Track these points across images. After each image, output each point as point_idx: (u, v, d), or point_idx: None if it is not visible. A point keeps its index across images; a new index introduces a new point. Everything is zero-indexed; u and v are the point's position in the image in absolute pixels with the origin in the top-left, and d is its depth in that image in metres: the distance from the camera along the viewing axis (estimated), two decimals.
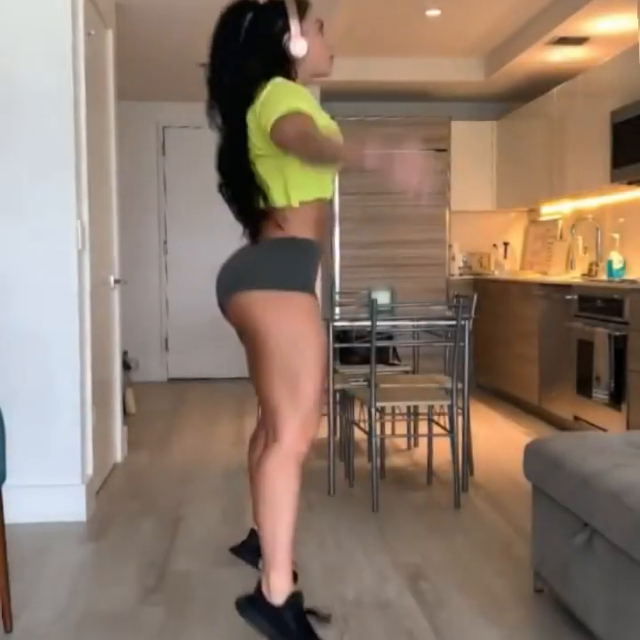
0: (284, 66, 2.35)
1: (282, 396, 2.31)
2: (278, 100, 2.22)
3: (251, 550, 2.90)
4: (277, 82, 2.29)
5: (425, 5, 5.59)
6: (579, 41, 5.69)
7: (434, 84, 7.13)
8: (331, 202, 2.52)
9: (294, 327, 2.30)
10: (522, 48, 6.06)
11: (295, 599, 2.31)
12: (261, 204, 2.35)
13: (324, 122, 2.35)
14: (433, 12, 5.72)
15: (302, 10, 2.36)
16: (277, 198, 2.33)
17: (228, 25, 2.36)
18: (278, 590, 2.29)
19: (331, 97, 7.33)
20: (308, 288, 2.36)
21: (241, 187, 2.38)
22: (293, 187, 2.32)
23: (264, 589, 2.31)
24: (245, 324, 2.36)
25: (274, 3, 2.36)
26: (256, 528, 2.90)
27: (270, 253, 2.35)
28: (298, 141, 2.15)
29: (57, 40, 3.52)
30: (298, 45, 2.33)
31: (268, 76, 2.29)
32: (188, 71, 6.53)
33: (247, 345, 2.46)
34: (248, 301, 2.31)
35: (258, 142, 2.31)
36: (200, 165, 7.78)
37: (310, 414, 2.32)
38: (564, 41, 5.70)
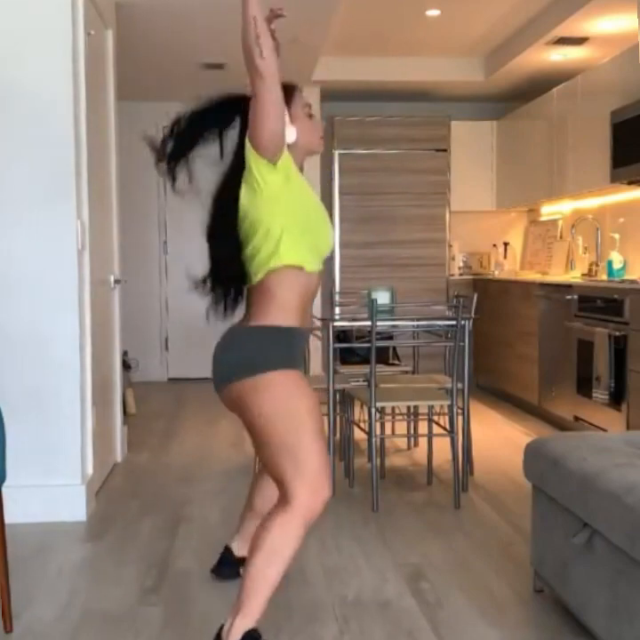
0: None
1: (286, 469, 2.28)
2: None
3: (228, 567, 2.91)
4: None
5: (425, 5, 5.59)
6: (579, 41, 5.69)
7: (434, 83, 7.13)
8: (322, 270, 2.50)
9: (282, 406, 2.29)
10: (522, 48, 6.06)
11: (251, 634, 2.24)
12: (247, 276, 2.36)
13: (314, 212, 2.39)
14: (433, 12, 5.72)
15: (289, 95, 2.39)
16: (265, 263, 2.32)
17: (224, 112, 2.44)
18: (238, 630, 2.23)
19: (331, 97, 7.33)
20: (289, 365, 2.33)
21: (224, 256, 2.39)
22: (285, 249, 2.31)
23: (225, 629, 2.25)
24: (238, 415, 2.39)
25: None
26: (230, 545, 2.93)
27: (250, 343, 2.34)
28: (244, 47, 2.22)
29: (57, 40, 3.52)
30: (288, 133, 2.35)
31: None
32: (188, 71, 6.54)
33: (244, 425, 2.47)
34: (233, 395, 2.33)
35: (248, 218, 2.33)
36: (200, 165, 7.80)
37: (317, 477, 2.28)
38: (563, 41, 5.70)
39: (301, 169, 2.47)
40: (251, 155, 2.28)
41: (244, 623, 2.22)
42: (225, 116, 2.44)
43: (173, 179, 2.44)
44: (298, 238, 2.32)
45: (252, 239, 2.32)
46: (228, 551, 2.93)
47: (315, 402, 2.35)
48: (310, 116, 2.48)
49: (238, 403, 2.34)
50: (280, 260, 2.30)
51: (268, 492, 2.78)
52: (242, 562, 2.86)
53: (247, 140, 2.29)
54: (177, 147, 2.43)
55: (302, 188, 2.39)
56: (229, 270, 2.39)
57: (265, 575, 2.23)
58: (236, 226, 2.35)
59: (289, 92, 2.38)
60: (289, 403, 2.31)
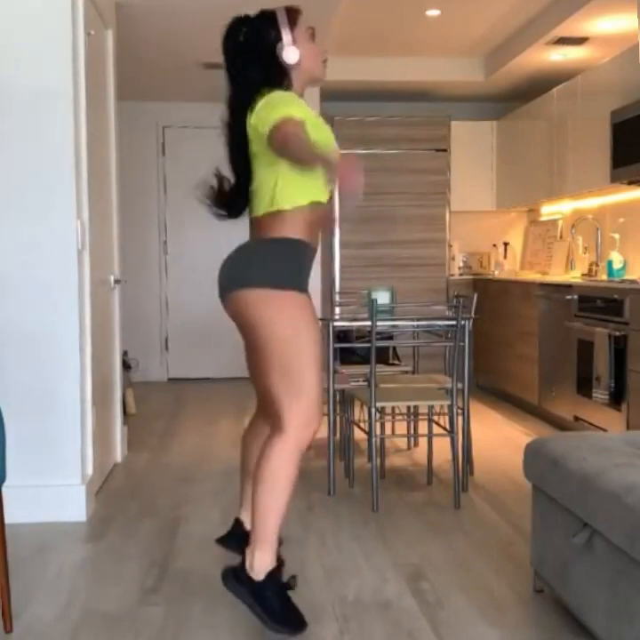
0: (280, 74, 2.50)
1: (282, 391, 2.40)
2: (271, 108, 2.36)
3: (236, 539, 2.91)
4: (273, 93, 2.43)
5: (425, 5, 5.59)
6: (579, 41, 5.70)
7: (434, 83, 7.13)
8: (329, 203, 2.58)
9: (288, 324, 2.40)
10: (522, 48, 6.06)
11: (275, 575, 2.42)
12: (259, 213, 2.49)
13: (323, 135, 2.48)
14: (433, 12, 5.72)
15: (293, 19, 2.50)
16: (271, 200, 2.45)
17: (228, 40, 2.53)
18: (260, 567, 2.40)
19: (331, 97, 7.33)
20: (299, 286, 2.45)
21: (240, 185, 2.53)
22: (284, 190, 2.44)
23: (247, 564, 2.42)
24: (242, 321, 2.47)
25: (265, 14, 2.51)
26: (240, 518, 2.94)
27: (263, 253, 2.46)
28: (284, 143, 2.26)
29: (57, 40, 3.52)
30: (290, 53, 2.47)
31: (265, 85, 2.45)
32: (188, 71, 6.55)
33: (245, 339, 2.56)
34: (243, 299, 2.42)
35: (255, 147, 2.45)
36: (200, 165, 7.79)
37: (312, 406, 2.42)
38: (563, 41, 5.70)
39: (302, 96, 2.56)
40: (265, 145, 2.40)
41: (263, 557, 2.40)
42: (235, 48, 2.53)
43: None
44: (298, 179, 2.42)
45: (261, 175, 2.45)
46: (238, 523, 2.93)
47: (319, 333, 2.46)
48: (313, 38, 2.56)
49: (244, 312, 2.42)
50: (291, 201, 2.43)
51: (259, 451, 2.80)
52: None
53: (258, 129, 2.39)
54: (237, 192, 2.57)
55: (316, 126, 2.45)
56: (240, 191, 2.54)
57: (271, 504, 2.39)
58: (245, 154, 2.49)
59: (293, 15, 2.50)
60: (296, 327, 2.40)
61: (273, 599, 2.39)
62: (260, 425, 2.80)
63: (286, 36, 2.47)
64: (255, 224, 2.53)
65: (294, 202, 2.44)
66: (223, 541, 2.96)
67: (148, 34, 5.49)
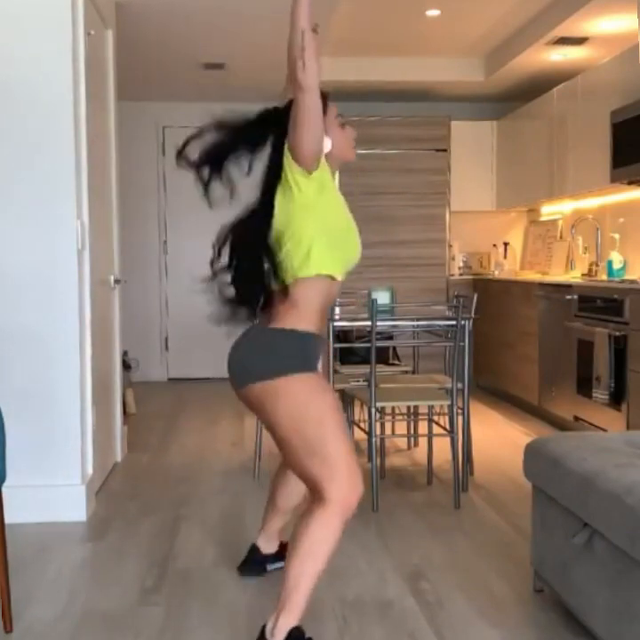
0: None
1: (317, 471, 2.29)
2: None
3: (256, 564, 2.95)
4: None
5: (425, 5, 5.58)
6: (579, 41, 5.69)
7: (434, 83, 7.13)
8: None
9: (304, 409, 2.31)
10: (522, 48, 6.06)
11: (295, 633, 2.30)
12: (273, 281, 2.36)
13: (344, 221, 2.51)
14: (433, 12, 5.72)
15: (324, 105, 2.39)
16: (296, 271, 2.34)
17: (260, 129, 2.42)
18: (282, 629, 2.28)
19: (331, 97, 7.32)
20: (307, 368, 2.35)
21: (253, 262, 2.38)
22: (316, 258, 2.35)
23: (269, 626, 2.30)
24: (258, 416, 2.42)
25: None
26: (257, 543, 2.96)
27: (269, 345, 2.36)
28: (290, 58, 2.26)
29: (57, 40, 3.52)
30: (324, 143, 2.40)
31: None
32: (188, 71, 6.55)
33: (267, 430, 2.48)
34: (254, 395, 2.35)
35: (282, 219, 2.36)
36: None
37: (351, 475, 2.31)
38: (563, 41, 5.69)
39: (334, 176, 2.52)
40: (288, 163, 2.32)
41: (287, 622, 2.28)
42: (258, 137, 2.42)
43: (205, 186, 2.47)
44: (328, 248, 2.37)
45: (283, 246, 2.34)
46: (254, 549, 2.96)
47: (334, 400, 2.39)
48: (343, 126, 2.55)
49: (258, 405, 2.36)
50: (311, 269, 2.34)
51: (289, 488, 2.85)
52: (268, 558, 2.92)
53: (286, 149, 2.32)
54: (207, 157, 2.45)
55: (336, 198, 2.45)
56: (256, 277, 2.37)
57: (305, 573, 2.28)
58: (268, 232, 2.36)
59: (323, 101, 2.38)
60: (310, 405, 2.32)
61: None
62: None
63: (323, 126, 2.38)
64: (271, 301, 2.40)
65: (305, 270, 2.35)
66: (243, 570, 2.97)
67: (148, 34, 5.49)
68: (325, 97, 2.45)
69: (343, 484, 2.28)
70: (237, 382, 2.39)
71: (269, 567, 2.92)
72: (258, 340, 2.40)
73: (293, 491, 2.84)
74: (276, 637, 2.27)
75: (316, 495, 2.31)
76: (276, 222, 2.36)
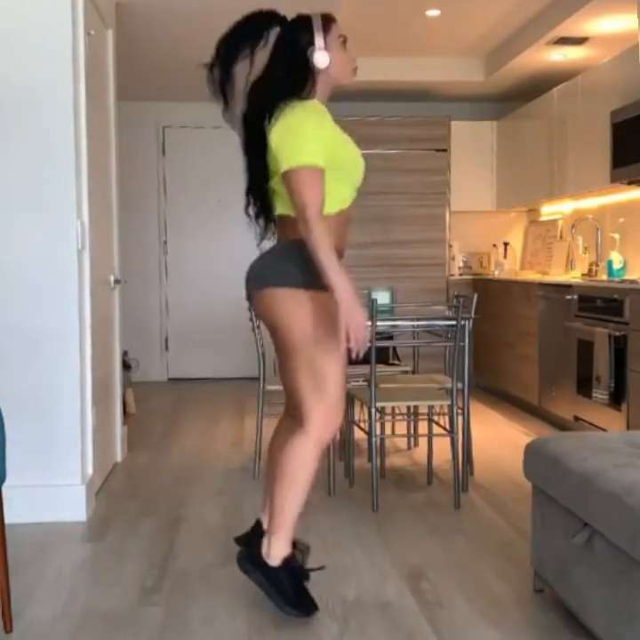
0: (305, 77, 2.56)
1: (307, 389, 2.50)
2: (293, 137, 2.43)
3: (258, 537, 2.91)
4: (295, 110, 2.47)
5: (425, 5, 5.59)
6: (579, 41, 5.69)
7: (434, 83, 7.13)
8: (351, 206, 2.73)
9: (314, 324, 2.48)
10: (522, 48, 6.06)
11: (289, 561, 2.56)
12: (283, 212, 2.57)
13: (350, 154, 2.63)
14: (433, 12, 5.72)
15: (327, 25, 2.57)
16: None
17: (252, 28, 2.56)
18: (276, 553, 2.54)
19: (331, 97, 7.32)
20: (325, 287, 2.47)
21: (265, 198, 2.61)
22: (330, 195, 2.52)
23: (263, 551, 2.56)
24: (268, 321, 2.56)
25: (301, 18, 2.57)
26: (261, 519, 2.93)
27: (291, 254, 2.52)
28: (301, 221, 2.40)
29: (57, 40, 3.52)
30: (320, 58, 2.54)
31: (289, 85, 2.51)
32: (188, 71, 6.54)
33: (273, 339, 2.64)
34: (270, 299, 2.50)
35: (274, 165, 2.52)
36: (200, 165, 7.80)
37: (334, 405, 2.52)
38: (563, 41, 5.69)
39: (324, 102, 2.64)
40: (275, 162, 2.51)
41: (279, 546, 2.54)
42: (254, 32, 2.55)
43: (225, 100, 2.57)
44: (334, 180, 2.52)
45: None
46: (258, 525, 2.92)
47: (342, 333, 2.49)
48: (344, 45, 2.63)
49: (270, 310, 2.51)
50: (327, 208, 2.48)
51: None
52: None
53: (274, 151, 2.48)
54: (220, 68, 2.55)
55: (333, 137, 2.56)
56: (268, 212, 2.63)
57: (290, 496, 2.53)
58: (266, 165, 2.55)
59: (327, 22, 2.56)
60: (323, 326, 2.48)
61: (287, 583, 2.54)
62: (287, 429, 2.80)
63: (319, 40, 2.53)
64: (283, 222, 2.59)
65: (324, 210, 2.48)
66: (241, 541, 2.96)
67: (148, 34, 5.49)
68: (331, 18, 2.59)
69: (323, 415, 2.50)
70: (254, 286, 2.54)
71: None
72: (277, 252, 2.57)
73: None
74: (272, 560, 2.54)
75: (300, 421, 2.52)
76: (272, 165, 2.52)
